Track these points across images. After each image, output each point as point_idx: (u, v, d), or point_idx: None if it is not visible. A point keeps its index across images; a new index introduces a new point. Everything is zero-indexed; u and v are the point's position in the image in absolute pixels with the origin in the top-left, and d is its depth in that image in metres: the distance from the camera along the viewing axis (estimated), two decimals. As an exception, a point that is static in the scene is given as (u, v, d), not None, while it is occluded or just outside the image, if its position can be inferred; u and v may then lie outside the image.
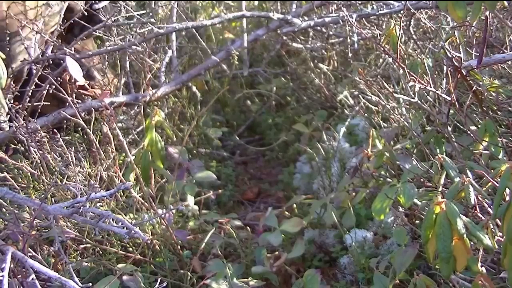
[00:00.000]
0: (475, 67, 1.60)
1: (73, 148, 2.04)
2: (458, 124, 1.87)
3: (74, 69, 1.72)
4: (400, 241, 1.80)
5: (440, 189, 1.48)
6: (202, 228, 2.22)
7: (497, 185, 1.27)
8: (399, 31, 1.75)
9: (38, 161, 1.94)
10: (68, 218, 1.75)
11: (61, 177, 1.88)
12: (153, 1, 2.99)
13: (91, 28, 2.28)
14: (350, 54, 2.87)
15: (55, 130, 2.09)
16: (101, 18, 2.34)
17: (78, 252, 1.95)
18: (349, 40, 2.74)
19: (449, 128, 1.79)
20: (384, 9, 2.50)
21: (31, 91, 2.12)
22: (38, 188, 1.98)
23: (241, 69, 3.27)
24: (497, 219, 1.35)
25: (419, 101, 1.88)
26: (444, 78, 1.91)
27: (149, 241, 1.98)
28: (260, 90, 3.25)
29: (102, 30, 2.40)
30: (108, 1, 2.47)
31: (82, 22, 2.26)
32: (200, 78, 3.00)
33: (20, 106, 2.10)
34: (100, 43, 2.88)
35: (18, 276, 1.46)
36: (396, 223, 1.97)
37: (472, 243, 1.34)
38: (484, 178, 1.38)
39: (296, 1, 2.99)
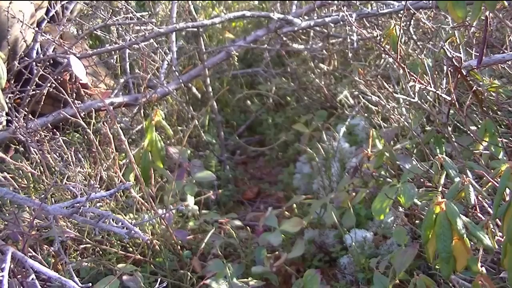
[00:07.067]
0: (475, 67, 1.60)
1: (73, 148, 2.04)
2: (458, 124, 1.87)
3: (77, 68, 1.72)
4: (400, 241, 1.80)
5: (440, 189, 1.48)
6: (202, 228, 2.22)
7: (497, 185, 1.27)
8: (399, 31, 1.75)
9: (38, 161, 1.94)
10: (68, 218, 1.75)
11: (61, 177, 1.88)
12: (153, 1, 3.00)
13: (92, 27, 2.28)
14: (350, 54, 2.88)
15: (55, 130, 2.09)
16: None
17: (78, 252, 1.95)
18: (349, 40, 2.74)
19: (449, 128, 1.79)
20: (384, 9, 2.50)
21: (30, 90, 2.12)
22: (38, 188, 1.98)
23: (242, 69, 3.27)
24: (497, 219, 1.35)
25: (419, 101, 1.88)
26: (444, 78, 1.90)
27: (149, 241, 1.98)
28: (260, 90, 3.25)
29: (102, 29, 2.41)
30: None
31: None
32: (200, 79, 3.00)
33: (20, 106, 2.10)
34: (99, 43, 2.89)
35: (18, 276, 1.46)
36: (396, 223, 1.97)
37: (472, 243, 1.34)
38: (484, 178, 1.38)
39: (296, 2, 2.99)
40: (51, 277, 1.39)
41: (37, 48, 2.28)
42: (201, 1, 3.50)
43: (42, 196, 1.84)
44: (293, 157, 2.88)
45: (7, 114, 2.06)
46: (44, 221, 1.78)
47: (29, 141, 1.95)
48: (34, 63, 2.19)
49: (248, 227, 2.23)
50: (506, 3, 1.73)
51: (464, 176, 1.40)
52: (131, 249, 2.01)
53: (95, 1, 2.53)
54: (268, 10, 3.38)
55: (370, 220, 2.09)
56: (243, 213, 2.58)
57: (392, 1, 2.54)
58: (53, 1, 2.30)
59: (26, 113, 2.11)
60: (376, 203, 1.63)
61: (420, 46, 2.24)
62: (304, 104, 3.10)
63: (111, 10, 2.57)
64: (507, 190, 1.26)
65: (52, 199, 1.94)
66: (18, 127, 1.95)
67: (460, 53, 1.65)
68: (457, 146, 1.77)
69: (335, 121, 2.79)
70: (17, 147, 2.10)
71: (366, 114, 2.55)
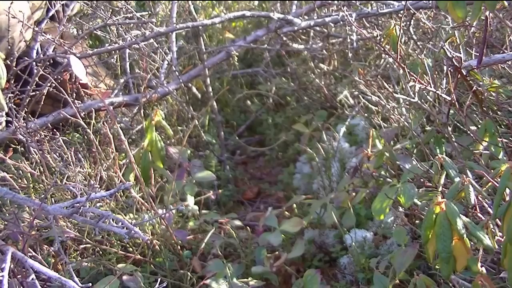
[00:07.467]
0: (475, 67, 1.60)
1: (73, 148, 2.05)
2: (458, 124, 1.87)
3: (77, 68, 1.72)
4: (400, 241, 1.80)
5: (440, 189, 1.48)
6: (202, 228, 2.22)
7: (497, 185, 1.27)
8: (399, 31, 1.75)
9: (38, 161, 1.94)
10: (68, 218, 1.75)
11: (61, 177, 1.88)
12: (153, 1, 2.99)
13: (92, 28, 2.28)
14: (350, 54, 2.88)
15: (55, 130, 2.09)
16: None
17: (78, 252, 1.95)
18: (349, 40, 2.74)
19: (449, 128, 1.79)
20: (384, 9, 2.50)
21: (29, 90, 2.12)
22: (38, 188, 1.98)
23: (242, 69, 3.26)
24: (497, 219, 1.35)
25: (419, 101, 1.88)
26: (444, 78, 1.90)
27: (149, 241, 1.98)
28: (260, 90, 3.25)
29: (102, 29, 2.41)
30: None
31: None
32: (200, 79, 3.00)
33: (20, 106, 2.10)
34: (99, 43, 2.89)
35: (18, 276, 1.45)
36: (396, 223, 1.97)
37: (472, 243, 1.34)
38: (484, 178, 1.38)
39: (296, 2, 2.99)
40: (51, 277, 1.39)
41: (37, 48, 2.28)
42: (201, 1, 3.49)
43: (42, 196, 1.84)
44: (293, 157, 2.88)
45: (7, 114, 2.06)
46: (44, 221, 1.78)
47: (29, 141, 1.95)
48: (34, 63, 2.18)
49: (248, 227, 2.23)
50: (506, 3, 1.73)
51: (464, 176, 1.40)
52: (131, 249, 2.01)
53: (95, 1, 2.52)
54: (268, 10, 3.37)
55: (370, 220, 2.09)
56: (243, 213, 2.58)
57: (392, 1, 2.54)
58: (53, 1, 2.30)
59: (26, 113, 2.11)
60: (376, 203, 1.63)
61: (420, 46, 2.24)
62: (304, 104, 3.10)
63: (111, 10, 2.57)
64: (507, 190, 1.26)
65: (52, 199, 1.94)
66: (18, 127, 1.95)
67: (460, 53, 1.65)
68: (457, 146, 1.77)
69: (335, 121, 2.79)
70: (17, 147, 2.10)
71: (366, 114, 2.55)
